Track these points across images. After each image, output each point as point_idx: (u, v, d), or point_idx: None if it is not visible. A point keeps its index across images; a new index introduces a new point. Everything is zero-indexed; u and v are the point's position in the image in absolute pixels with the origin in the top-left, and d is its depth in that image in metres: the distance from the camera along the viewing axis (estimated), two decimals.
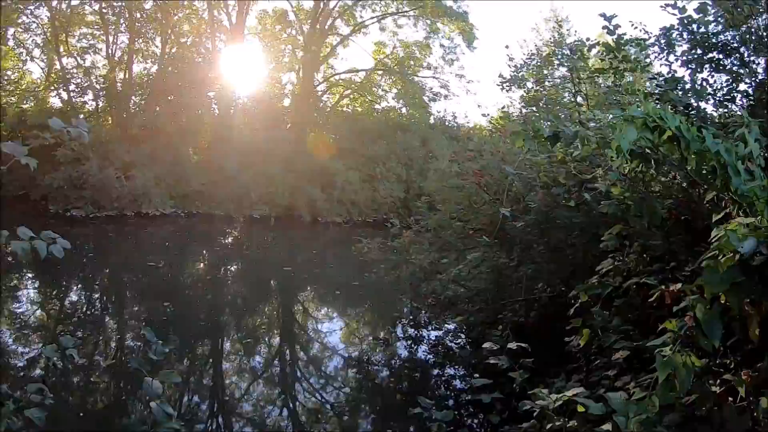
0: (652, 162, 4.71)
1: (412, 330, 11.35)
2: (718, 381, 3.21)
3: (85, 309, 12.71)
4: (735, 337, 3.43)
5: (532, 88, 10.88)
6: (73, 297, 13.85)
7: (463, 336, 10.10)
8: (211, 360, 10.12)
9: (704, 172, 4.43)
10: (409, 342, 10.86)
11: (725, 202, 4.35)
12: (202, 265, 20.88)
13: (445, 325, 10.76)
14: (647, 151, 4.68)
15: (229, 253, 22.77)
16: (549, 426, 3.55)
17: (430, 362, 9.69)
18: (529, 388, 3.94)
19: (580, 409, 3.34)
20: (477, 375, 5.79)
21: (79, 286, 14.99)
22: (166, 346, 4.24)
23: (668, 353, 2.80)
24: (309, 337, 12.17)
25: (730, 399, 3.26)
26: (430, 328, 11.08)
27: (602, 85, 10.00)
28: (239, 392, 8.56)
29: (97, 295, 14.28)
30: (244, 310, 13.76)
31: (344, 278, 16.53)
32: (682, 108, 7.90)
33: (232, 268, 20.26)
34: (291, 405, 8.30)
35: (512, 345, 4.23)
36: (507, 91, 11.06)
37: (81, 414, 7.11)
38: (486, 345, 4.41)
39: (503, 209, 5.22)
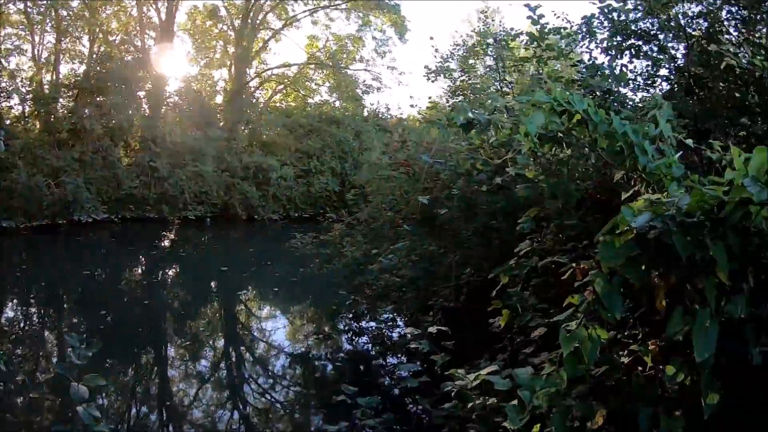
0: (564, 145, 4.86)
1: (352, 322, 11.37)
2: (626, 352, 3.34)
3: (20, 323, 12.27)
4: (643, 308, 3.59)
5: (458, 77, 11.06)
6: (9, 312, 13.32)
7: (401, 324, 10.20)
8: (152, 365, 9.95)
9: (616, 152, 4.60)
10: (350, 334, 10.89)
11: (634, 180, 4.53)
12: (139, 270, 20.40)
13: (384, 315, 10.84)
14: (560, 134, 4.82)
15: (166, 257, 22.32)
16: (471, 405, 3.63)
17: (372, 352, 9.77)
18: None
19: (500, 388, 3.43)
20: (417, 362, 5.88)
21: (14, 300, 14.43)
22: (90, 350, 4.17)
23: (573, 327, 2.90)
24: (249, 336, 12.07)
25: (640, 368, 3.39)
26: (368, 319, 11.13)
27: (530, 73, 10.25)
28: (183, 396, 8.45)
29: (33, 309, 13.78)
30: (182, 314, 13.53)
31: (282, 275, 16.44)
32: (601, 93, 8.16)
33: (170, 272, 19.88)
34: (232, 405, 8.24)
35: (432, 329, 4.31)
36: (433, 81, 11.20)
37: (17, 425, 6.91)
38: (407, 330, 4.49)
39: (421, 198, 5.30)
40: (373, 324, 10.85)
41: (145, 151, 29.61)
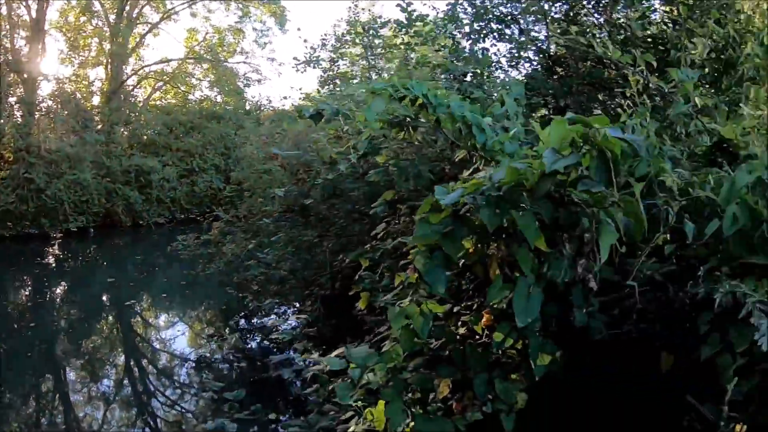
0: (412, 129, 5.05)
1: (243, 320, 11.27)
2: (461, 322, 3.53)
3: None
4: (479, 279, 3.80)
5: (328, 67, 11.12)
6: None
7: (291, 316, 10.21)
8: (41, 389, 9.50)
9: (458, 132, 4.81)
10: (243, 332, 10.79)
11: (475, 158, 4.76)
12: (24, 292, 19.29)
13: (274, 309, 10.81)
14: (408, 119, 5.00)
15: (50, 274, 21.15)
16: (331, 387, 3.74)
17: (267, 348, 9.73)
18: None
19: (352, 367, 3.55)
20: (296, 351, 5.91)
21: None
22: None
23: (405, 304, 3.04)
24: (141, 347, 11.72)
25: (477, 337, 3.60)
26: (260, 315, 11.06)
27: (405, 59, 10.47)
28: (68, 414, 8.15)
29: None
30: (71, 332, 12.94)
31: (171, 280, 16.06)
32: (460, 76, 8.47)
33: (56, 290, 18.88)
34: (126, 418, 8.03)
35: (292, 320, 4.40)
36: (302, 73, 11.24)
37: None
38: (272, 320, 4.56)
39: (277, 190, 5.36)
40: (260, 319, 10.79)
41: (20, 163, 27.85)
